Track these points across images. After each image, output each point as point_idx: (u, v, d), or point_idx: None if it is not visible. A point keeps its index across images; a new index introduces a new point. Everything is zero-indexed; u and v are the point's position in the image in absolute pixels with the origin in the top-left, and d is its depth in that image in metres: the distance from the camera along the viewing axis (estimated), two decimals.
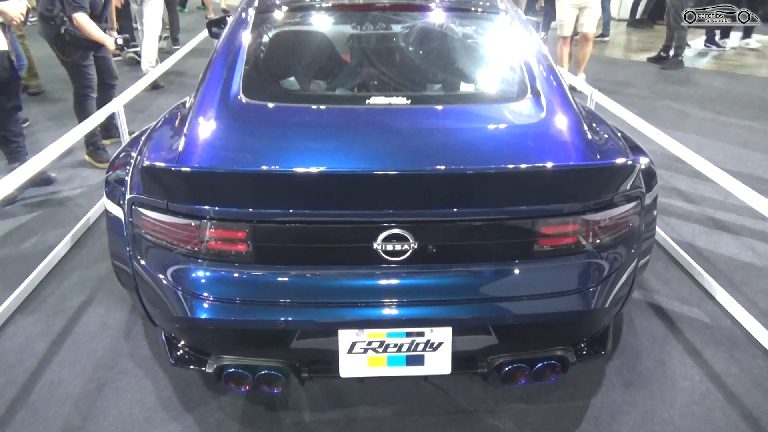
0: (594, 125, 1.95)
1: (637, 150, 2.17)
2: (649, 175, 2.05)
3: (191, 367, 1.83)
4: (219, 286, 1.68)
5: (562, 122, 1.86)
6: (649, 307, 2.62)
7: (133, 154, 2.01)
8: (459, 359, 1.77)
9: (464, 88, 2.22)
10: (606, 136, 1.94)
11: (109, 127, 4.37)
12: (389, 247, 1.64)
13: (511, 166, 1.61)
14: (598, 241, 1.74)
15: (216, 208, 1.60)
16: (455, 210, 1.63)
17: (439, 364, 1.73)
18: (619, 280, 1.79)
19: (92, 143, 4.10)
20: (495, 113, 1.95)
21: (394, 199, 1.60)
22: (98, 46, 3.87)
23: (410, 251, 1.66)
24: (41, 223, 3.37)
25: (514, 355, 1.80)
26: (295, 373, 1.78)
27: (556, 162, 1.64)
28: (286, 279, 1.69)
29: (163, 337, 1.90)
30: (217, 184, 1.60)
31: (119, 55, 6.34)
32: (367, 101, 1.98)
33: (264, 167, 1.61)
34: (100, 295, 2.70)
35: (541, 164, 1.62)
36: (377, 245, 1.64)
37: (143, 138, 2.08)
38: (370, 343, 1.70)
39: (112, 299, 2.64)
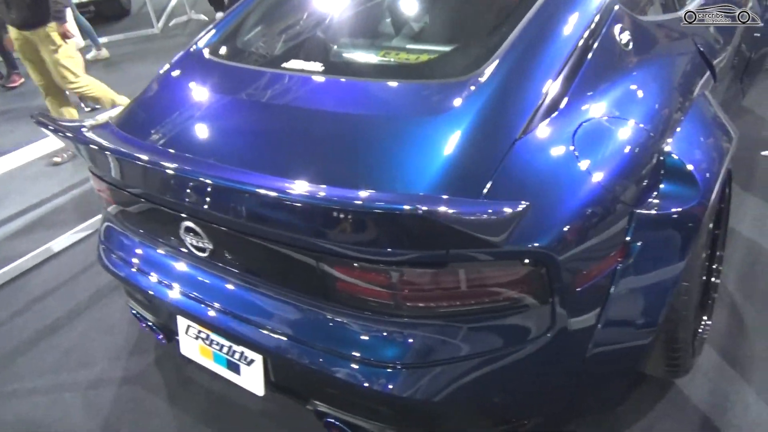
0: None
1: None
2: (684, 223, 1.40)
3: None
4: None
5: (474, 126, 1.28)
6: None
7: None
8: (276, 386, 1.53)
9: (405, 53, 1.73)
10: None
11: None
12: (189, 239, 1.46)
13: (304, 185, 1.20)
14: (421, 307, 1.24)
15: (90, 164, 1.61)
16: (231, 218, 1.30)
17: (252, 381, 1.52)
18: (466, 375, 1.25)
19: None
20: (399, 96, 1.46)
21: (187, 190, 1.32)
22: None
23: (208, 251, 1.44)
24: None
25: (334, 410, 1.45)
26: (174, 333, 1.72)
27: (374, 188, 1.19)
28: (130, 242, 1.72)
29: None
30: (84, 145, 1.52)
31: None
32: (283, 64, 1.68)
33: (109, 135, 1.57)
34: None
35: (335, 191, 1.15)
36: (181, 234, 1.47)
37: None
38: (200, 331, 1.59)
39: None
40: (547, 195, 1.22)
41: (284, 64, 1.68)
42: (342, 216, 1.10)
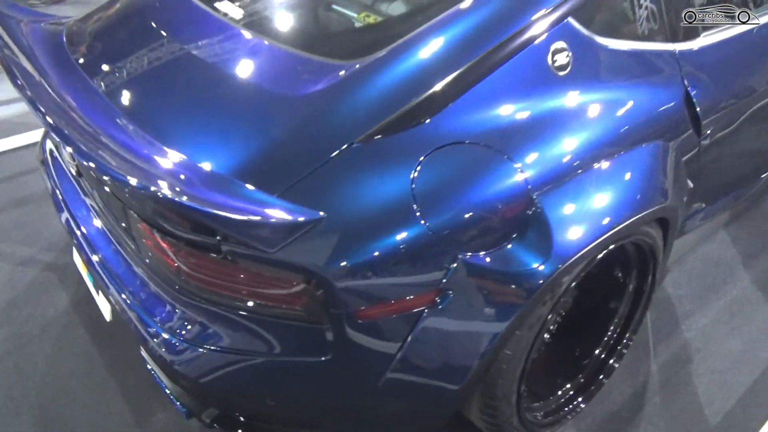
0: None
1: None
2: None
3: None
4: None
5: (314, 117, 1.21)
6: None
7: None
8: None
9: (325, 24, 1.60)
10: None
11: None
12: (66, 156, 1.54)
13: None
14: (200, 287, 1.22)
15: None
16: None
17: (104, 305, 1.58)
18: (234, 368, 1.24)
19: None
20: (276, 65, 1.37)
21: (53, 109, 1.27)
22: None
23: (76, 173, 1.51)
24: None
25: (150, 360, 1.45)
26: None
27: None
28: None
29: None
30: None
31: None
32: (219, 5, 1.57)
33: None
34: None
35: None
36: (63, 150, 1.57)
37: None
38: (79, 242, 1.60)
39: None
40: (356, 216, 1.12)
41: (219, 6, 1.56)
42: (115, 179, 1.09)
